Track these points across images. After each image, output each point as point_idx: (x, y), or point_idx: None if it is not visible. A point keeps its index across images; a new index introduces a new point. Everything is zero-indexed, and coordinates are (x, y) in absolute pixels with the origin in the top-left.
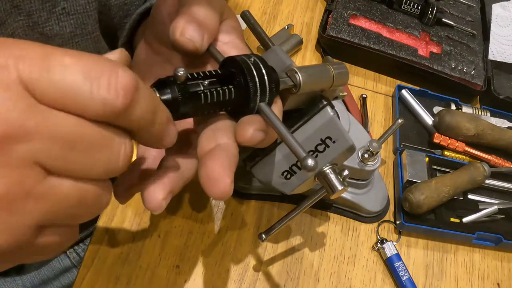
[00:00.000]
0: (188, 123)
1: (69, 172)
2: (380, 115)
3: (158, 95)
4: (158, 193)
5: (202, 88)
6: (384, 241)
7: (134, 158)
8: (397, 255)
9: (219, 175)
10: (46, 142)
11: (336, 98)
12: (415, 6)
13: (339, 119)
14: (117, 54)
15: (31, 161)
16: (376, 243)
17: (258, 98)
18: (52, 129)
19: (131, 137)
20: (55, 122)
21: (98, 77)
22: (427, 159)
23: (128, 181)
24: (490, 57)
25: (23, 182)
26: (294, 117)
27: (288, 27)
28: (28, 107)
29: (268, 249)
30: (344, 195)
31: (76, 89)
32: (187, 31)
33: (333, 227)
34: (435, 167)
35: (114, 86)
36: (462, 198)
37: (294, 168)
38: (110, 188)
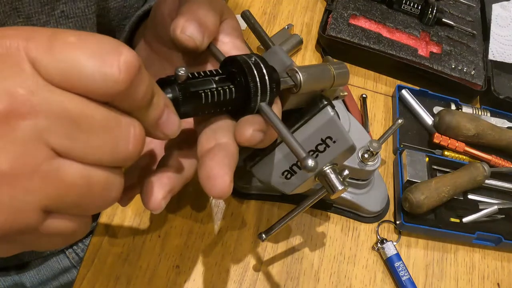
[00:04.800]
0: (188, 122)
1: (76, 153)
2: (380, 115)
3: None
4: (158, 192)
5: (202, 88)
6: (384, 241)
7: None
8: (397, 255)
9: (219, 174)
10: (51, 120)
11: (336, 98)
12: (415, 6)
13: (339, 119)
14: None
15: (36, 138)
16: (376, 243)
17: (259, 98)
18: (57, 107)
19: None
20: (60, 100)
21: (100, 54)
22: (427, 159)
23: (127, 182)
24: (490, 57)
25: (28, 159)
26: (294, 117)
27: (288, 27)
28: (34, 85)
29: (268, 249)
30: (344, 195)
31: (79, 67)
32: (188, 29)
33: (333, 227)
34: (435, 167)
35: (117, 62)
36: (462, 198)
37: (294, 168)
38: (121, 179)
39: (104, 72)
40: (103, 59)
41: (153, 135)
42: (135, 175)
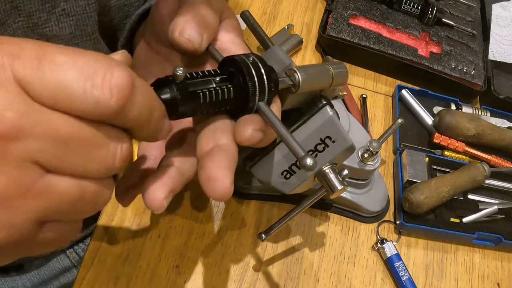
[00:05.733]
0: (187, 122)
1: (66, 170)
2: (380, 115)
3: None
4: (159, 192)
5: (201, 88)
6: (384, 241)
7: (134, 158)
8: (397, 255)
9: (219, 176)
10: (41, 141)
11: (335, 97)
12: (415, 6)
13: (339, 118)
14: (119, 56)
15: (27, 159)
16: (376, 243)
17: (257, 97)
18: (47, 129)
19: (129, 135)
20: (50, 121)
21: (91, 76)
22: (427, 159)
23: (128, 182)
24: (490, 57)
25: (21, 180)
26: (293, 117)
27: (288, 27)
28: (23, 107)
29: (268, 249)
30: (344, 195)
31: (69, 88)
32: (186, 31)
33: (333, 227)
34: (435, 167)
35: (108, 85)
36: (462, 198)
37: (294, 167)
38: (110, 185)
39: (95, 96)
40: (93, 82)
41: (145, 141)
42: (137, 175)
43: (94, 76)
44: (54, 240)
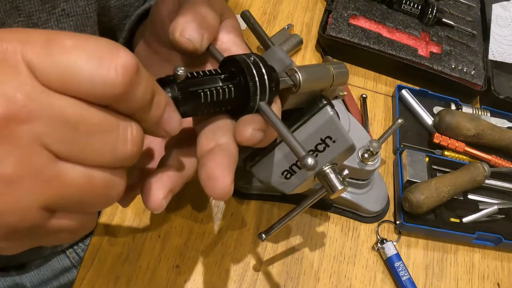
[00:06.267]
0: (187, 121)
1: (76, 157)
2: (380, 115)
3: None
4: (159, 192)
5: (202, 87)
6: (384, 241)
7: None
8: (397, 255)
9: (219, 175)
10: (49, 124)
11: (336, 97)
12: (415, 6)
13: (339, 118)
14: None
15: (36, 143)
16: (376, 243)
17: (258, 97)
18: (55, 112)
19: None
20: (58, 105)
21: (98, 57)
22: (427, 159)
23: (128, 182)
24: (490, 57)
25: (30, 163)
26: (294, 117)
27: (288, 27)
28: (32, 90)
29: (268, 249)
30: (344, 195)
31: (77, 70)
32: (187, 31)
33: (333, 227)
34: (435, 167)
35: (115, 65)
36: (462, 198)
37: (294, 167)
38: (123, 177)
39: (102, 75)
40: (100, 62)
41: (154, 133)
42: (136, 175)
43: (101, 58)
44: (66, 231)
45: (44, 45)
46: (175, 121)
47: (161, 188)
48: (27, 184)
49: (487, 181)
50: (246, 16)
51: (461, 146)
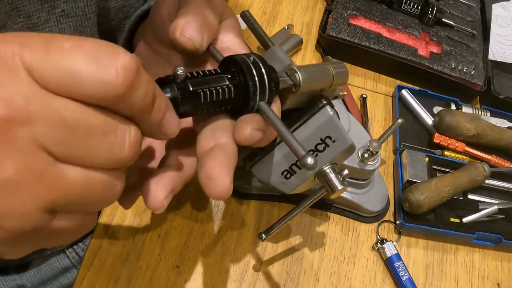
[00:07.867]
0: (187, 121)
1: (75, 159)
2: (380, 115)
3: None
4: (160, 192)
5: (202, 87)
6: (384, 241)
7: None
8: (397, 255)
9: (218, 175)
10: (49, 127)
11: (336, 97)
12: (415, 6)
13: (339, 118)
14: None
15: (35, 145)
16: (376, 243)
17: (258, 97)
18: (54, 115)
19: (136, 125)
20: (57, 107)
21: (98, 59)
22: (427, 159)
23: (128, 182)
24: (490, 57)
25: (29, 166)
26: (294, 117)
27: (288, 27)
28: (31, 92)
29: (268, 249)
30: (344, 195)
31: (76, 72)
32: (187, 31)
33: (333, 227)
34: (435, 167)
35: (115, 67)
36: (462, 198)
37: (294, 167)
38: (121, 178)
39: (102, 77)
40: (100, 64)
41: (153, 136)
42: (136, 175)
43: (100, 59)
44: (68, 231)
45: (42, 47)
46: (174, 124)
47: (162, 188)
48: (28, 186)
49: (487, 181)
50: (246, 16)
51: (461, 146)
